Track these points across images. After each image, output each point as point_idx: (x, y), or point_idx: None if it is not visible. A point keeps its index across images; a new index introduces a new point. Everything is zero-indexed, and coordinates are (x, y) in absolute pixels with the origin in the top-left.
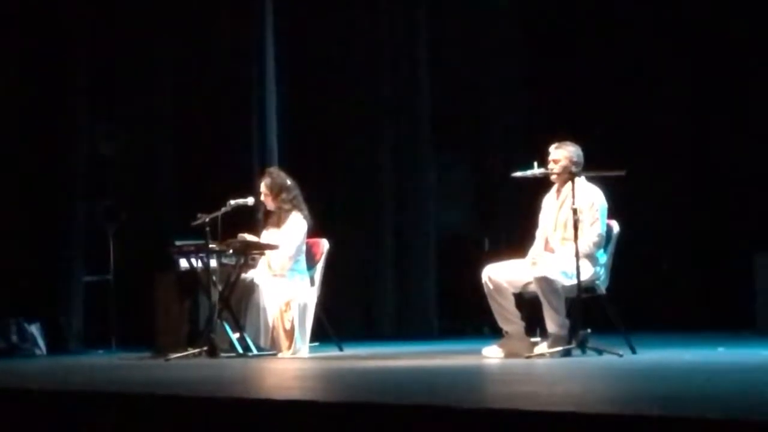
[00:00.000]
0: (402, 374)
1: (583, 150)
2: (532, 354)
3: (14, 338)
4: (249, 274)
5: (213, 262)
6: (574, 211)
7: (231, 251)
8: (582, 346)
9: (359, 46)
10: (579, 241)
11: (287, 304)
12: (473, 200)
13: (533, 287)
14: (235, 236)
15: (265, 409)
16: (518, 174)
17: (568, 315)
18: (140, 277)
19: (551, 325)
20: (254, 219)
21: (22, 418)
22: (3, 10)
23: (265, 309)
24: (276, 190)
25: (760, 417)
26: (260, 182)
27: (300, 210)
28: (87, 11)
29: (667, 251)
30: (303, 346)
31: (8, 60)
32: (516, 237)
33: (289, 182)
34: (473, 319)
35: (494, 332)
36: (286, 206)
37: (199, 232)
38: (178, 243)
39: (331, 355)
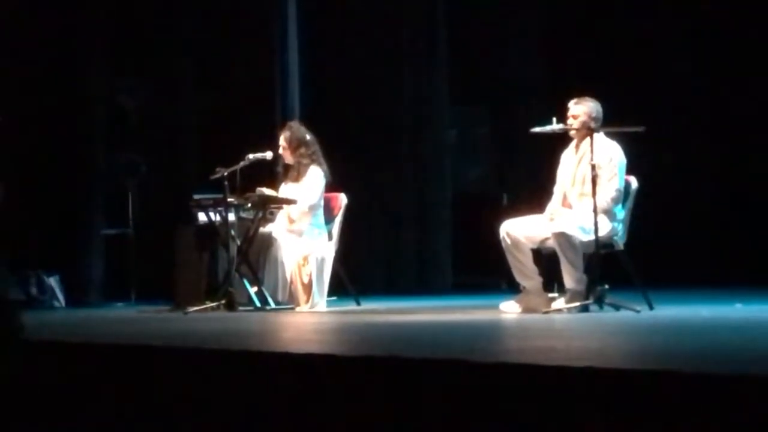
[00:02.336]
0: (419, 328)
1: (602, 106)
2: (549, 309)
3: (33, 290)
4: (267, 228)
5: (231, 216)
6: (593, 167)
7: (249, 205)
8: (599, 301)
9: (379, 2)
10: (597, 196)
11: (305, 258)
12: (492, 156)
13: (551, 243)
14: (254, 190)
15: (282, 363)
16: (537, 129)
17: (586, 270)
18: (160, 231)
19: (569, 281)
20: (273, 173)
21: (40, 370)
22: None
23: (283, 263)
24: (295, 144)
25: None
26: (280, 136)
27: (319, 164)
28: None
29: (685, 206)
30: (320, 300)
31: (30, 13)
32: (534, 193)
33: (308, 137)
34: (491, 274)
35: (512, 287)
36: (305, 160)
37: (218, 186)
38: (196, 197)
39: (348, 309)
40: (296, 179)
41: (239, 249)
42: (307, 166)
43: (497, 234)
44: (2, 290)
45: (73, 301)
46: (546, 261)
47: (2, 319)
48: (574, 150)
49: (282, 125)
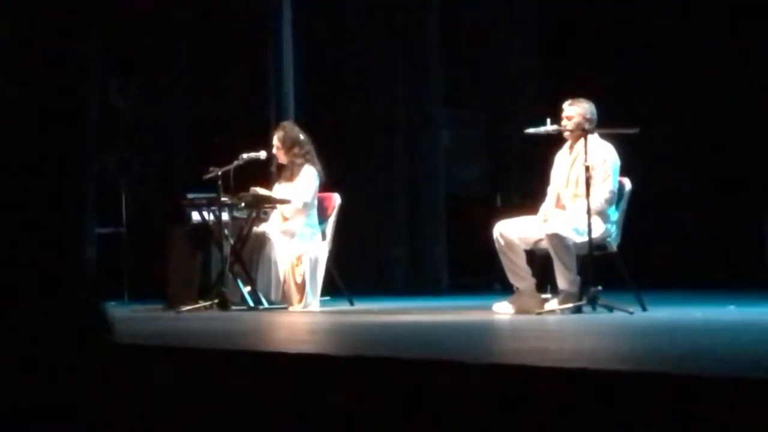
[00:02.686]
0: (412, 329)
1: (597, 107)
2: (542, 310)
3: None
4: (261, 228)
5: (225, 216)
6: (587, 168)
7: (243, 205)
8: (593, 303)
9: (374, 3)
10: (591, 197)
11: (298, 258)
12: (486, 157)
13: (545, 244)
14: (248, 190)
15: (275, 362)
16: (531, 131)
17: (579, 272)
18: (153, 230)
19: (562, 282)
20: (267, 173)
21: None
22: None
23: (276, 263)
24: (288, 144)
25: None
26: (273, 136)
27: (313, 164)
28: None
29: (679, 209)
30: (314, 300)
31: (23, 12)
32: (528, 194)
33: (302, 137)
34: (484, 275)
35: (505, 288)
36: (299, 160)
37: (211, 185)
38: (190, 196)
39: (341, 309)
40: (290, 179)
41: (232, 248)
42: (300, 165)
43: (491, 235)
44: (91, 287)
45: None
46: (539, 262)
47: (98, 320)
48: (568, 151)
49: (276, 125)
